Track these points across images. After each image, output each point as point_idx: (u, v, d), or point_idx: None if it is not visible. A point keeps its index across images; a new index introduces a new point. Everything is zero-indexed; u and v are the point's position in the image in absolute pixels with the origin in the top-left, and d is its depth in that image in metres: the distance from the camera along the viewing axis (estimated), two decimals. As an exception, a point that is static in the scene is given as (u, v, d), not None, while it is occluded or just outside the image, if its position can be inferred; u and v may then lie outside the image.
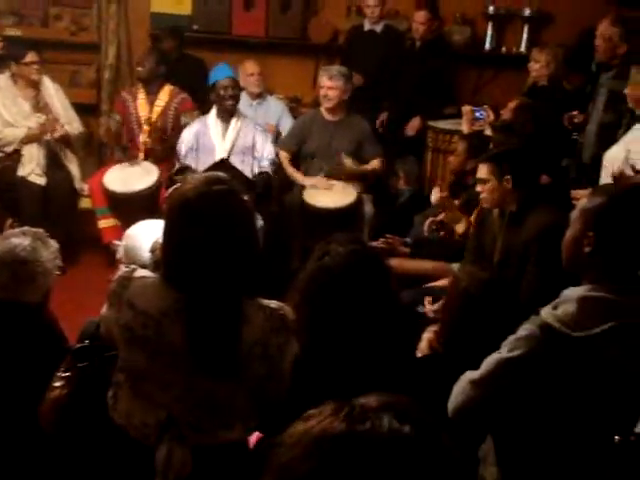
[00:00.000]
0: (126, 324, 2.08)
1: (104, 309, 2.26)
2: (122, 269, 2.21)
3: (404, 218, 5.21)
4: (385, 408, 1.07)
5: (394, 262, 4.44)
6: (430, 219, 4.53)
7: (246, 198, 2.14)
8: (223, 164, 5.00)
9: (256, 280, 2.12)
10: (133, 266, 2.22)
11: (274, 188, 5.49)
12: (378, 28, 6.54)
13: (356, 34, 6.64)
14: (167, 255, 2.11)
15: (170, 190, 4.31)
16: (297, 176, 5.56)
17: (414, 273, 4.31)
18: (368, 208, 5.38)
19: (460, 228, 4.31)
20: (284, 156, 5.63)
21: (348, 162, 5.37)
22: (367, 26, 6.57)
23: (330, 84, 5.46)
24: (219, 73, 5.45)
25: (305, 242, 5.22)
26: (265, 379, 2.10)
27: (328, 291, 2.35)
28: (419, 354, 2.93)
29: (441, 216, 4.48)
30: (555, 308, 2.13)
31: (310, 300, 2.37)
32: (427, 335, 3.07)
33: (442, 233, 4.54)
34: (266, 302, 2.12)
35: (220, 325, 2.03)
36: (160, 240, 2.21)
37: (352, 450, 1.01)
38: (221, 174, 2.15)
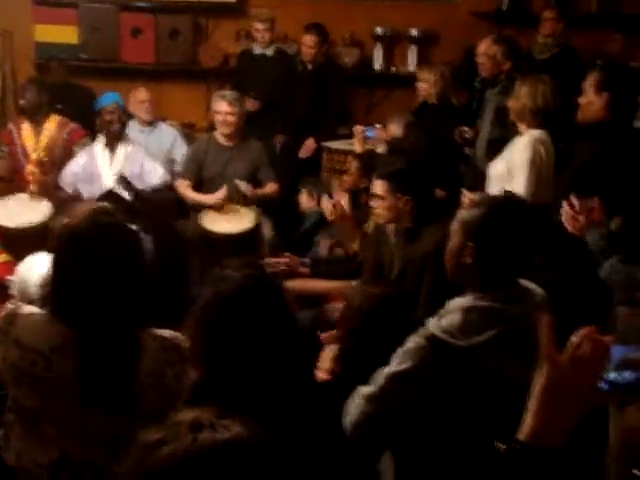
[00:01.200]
0: (13, 363, 2.02)
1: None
2: (8, 306, 2.14)
3: (308, 241, 5.21)
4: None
5: (295, 283, 4.49)
6: (328, 240, 4.56)
7: (134, 228, 2.11)
8: (111, 195, 4.91)
9: (149, 310, 2.09)
10: (19, 303, 2.15)
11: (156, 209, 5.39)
12: (269, 52, 6.58)
13: (246, 58, 6.67)
14: (55, 289, 2.06)
15: (54, 224, 4.20)
16: (199, 197, 5.50)
17: (315, 293, 4.33)
18: (267, 232, 5.38)
19: (356, 245, 4.35)
20: (185, 184, 5.56)
21: (242, 186, 5.36)
22: (257, 50, 6.61)
23: (229, 109, 5.43)
24: (105, 99, 5.39)
25: (204, 268, 5.18)
26: (162, 410, 2.07)
27: (224, 317, 2.33)
28: (320, 373, 2.94)
29: (338, 237, 4.51)
30: (440, 319, 2.18)
31: (207, 327, 2.34)
32: (329, 353, 3.09)
33: (341, 252, 4.57)
34: (160, 332, 2.09)
35: (113, 358, 1.99)
36: (49, 275, 2.15)
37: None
38: (108, 205, 2.12)
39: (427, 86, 5.65)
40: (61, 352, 1.99)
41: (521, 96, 4.34)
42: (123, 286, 2.01)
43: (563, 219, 3.21)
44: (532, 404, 1.29)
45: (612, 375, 1.21)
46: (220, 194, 5.35)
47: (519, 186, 4.10)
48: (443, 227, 3.65)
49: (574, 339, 1.29)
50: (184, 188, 5.55)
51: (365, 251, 4.11)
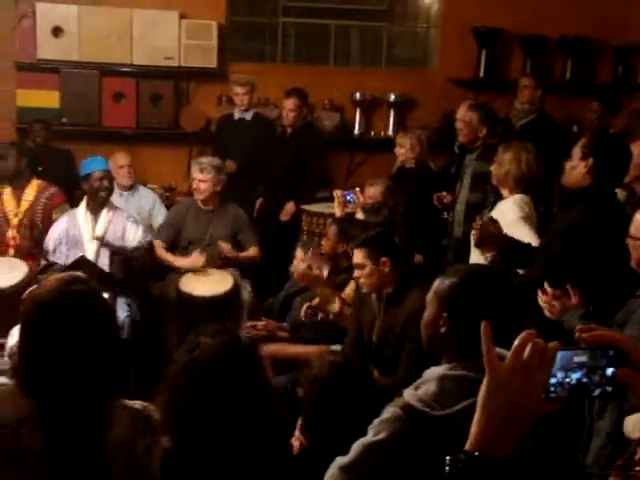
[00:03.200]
0: (-20, 436, 1.97)
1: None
2: (-25, 378, 2.11)
3: (288, 304, 5.17)
4: None
5: (274, 347, 4.47)
6: (306, 304, 4.53)
7: (105, 296, 2.09)
8: (82, 261, 4.88)
9: (119, 381, 2.06)
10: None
11: (137, 273, 5.36)
12: (248, 116, 6.66)
13: (226, 122, 6.74)
14: (23, 359, 2.03)
15: (26, 293, 4.16)
16: (174, 260, 5.50)
17: (293, 357, 4.30)
18: (246, 294, 5.36)
19: (334, 308, 4.33)
20: (159, 244, 5.57)
21: (225, 249, 5.36)
22: (237, 114, 6.68)
23: (201, 177, 5.48)
24: (94, 165, 5.36)
25: (182, 331, 5.14)
26: None
27: (198, 384, 2.31)
28: (296, 442, 2.91)
29: (316, 300, 4.49)
30: (417, 388, 2.16)
31: (181, 394, 2.33)
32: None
33: (320, 317, 4.54)
34: (130, 403, 2.06)
35: (82, 431, 1.96)
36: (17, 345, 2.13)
37: None
38: (78, 273, 2.10)
39: (404, 150, 5.72)
40: (29, 425, 1.95)
41: (504, 162, 4.39)
42: (92, 358, 1.98)
43: (540, 303, 3.23)
44: (476, 413, 1.28)
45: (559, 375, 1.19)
46: (194, 258, 5.35)
47: (527, 237, 4.09)
48: (423, 293, 3.64)
49: (515, 343, 1.27)
50: (158, 249, 5.55)
51: (351, 317, 4.10)
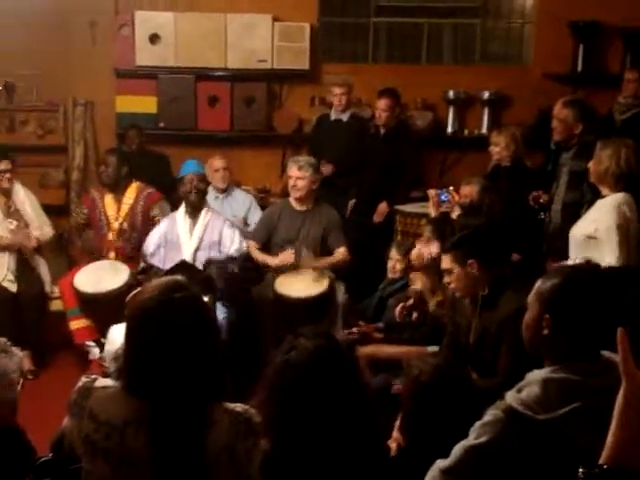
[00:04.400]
0: (88, 436, 2.03)
1: (66, 420, 2.21)
2: (82, 379, 2.17)
3: (383, 305, 5.15)
4: None
5: (369, 349, 4.46)
6: (401, 305, 4.52)
7: (206, 300, 2.12)
8: (183, 265, 4.98)
9: (221, 384, 2.09)
10: (94, 376, 2.18)
11: (236, 280, 5.43)
12: (345, 117, 6.66)
13: (323, 123, 6.77)
14: (129, 363, 2.08)
15: (129, 296, 4.27)
16: (265, 258, 5.56)
17: (389, 358, 4.29)
18: (341, 296, 5.37)
19: (437, 298, 4.31)
20: (253, 245, 5.64)
21: (307, 260, 5.40)
22: (334, 115, 6.70)
23: (299, 174, 5.52)
24: (186, 168, 5.51)
25: (278, 333, 5.18)
26: None
27: (294, 387, 2.33)
28: (393, 444, 2.89)
29: (411, 301, 4.47)
30: (519, 391, 2.12)
31: (277, 396, 2.35)
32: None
33: (414, 317, 4.52)
34: (231, 406, 2.08)
35: (185, 433, 1.99)
36: (122, 348, 2.18)
37: None
38: (180, 278, 2.14)
39: (499, 149, 5.61)
40: (134, 426, 2.00)
41: (603, 159, 4.28)
42: (195, 360, 2.02)
43: None
44: (613, 424, 1.22)
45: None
46: (284, 256, 5.39)
47: (611, 252, 4.03)
48: (521, 294, 3.57)
49: None
50: (252, 249, 5.62)
51: (447, 319, 4.06)
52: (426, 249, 4.58)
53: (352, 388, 2.37)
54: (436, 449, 2.27)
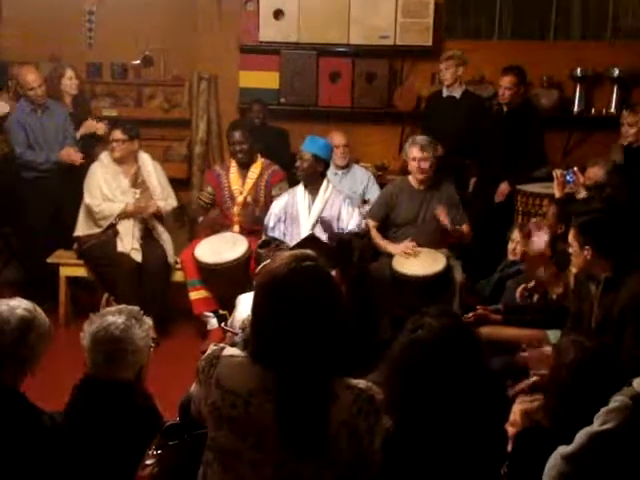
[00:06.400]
0: (214, 403, 2.08)
1: (193, 386, 2.27)
2: (211, 347, 2.22)
3: (502, 286, 5.06)
4: None
5: (487, 330, 4.39)
6: (522, 286, 4.43)
7: (333, 274, 2.13)
8: (311, 240, 5.02)
9: (345, 358, 2.10)
10: (222, 344, 2.22)
11: (354, 254, 5.42)
12: (457, 94, 6.52)
13: (435, 100, 6.65)
14: (256, 333, 2.11)
15: (259, 267, 4.35)
16: (386, 245, 5.54)
17: (507, 340, 4.22)
18: (458, 275, 5.31)
19: (557, 290, 4.21)
20: (372, 225, 5.62)
21: (442, 217, 5.34)
22: (445, 92, 6.56)
23: (421, 155, 5.44)
24: (311, 145, 5.43)
25: (394, 311, 5.18)
26: (354, 462, 2.06)
27: (420, 365, 2.33)
28: (510, 427, 2.84)
29: (533, 282, 4.38)
30: (648, 378, 2.06)
31: (402, 373, 2.35)
32: (520, 407, 2.98)
33: (535, 298, 4.43)
34: (354, 382, 2.09)
35: (310, 404, 2.01)
36: (249, 318, 2.21)
37: None
38: (309, 251, 2.15)
39: (633, 130, 5.39)
40: (259, 396, 2.03)
41: None
42: (322, 332, 2.03)
43: None
44: None
45: None
46: (405, 246, 5.35)
47: None
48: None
49: None
50: (372, 229, 5.60)
51: (570, 302, 3.97)
52: (537, 238, 4.48)
53: (477, 369, 2.35)
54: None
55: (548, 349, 3.45)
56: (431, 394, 2.28)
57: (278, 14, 6.92)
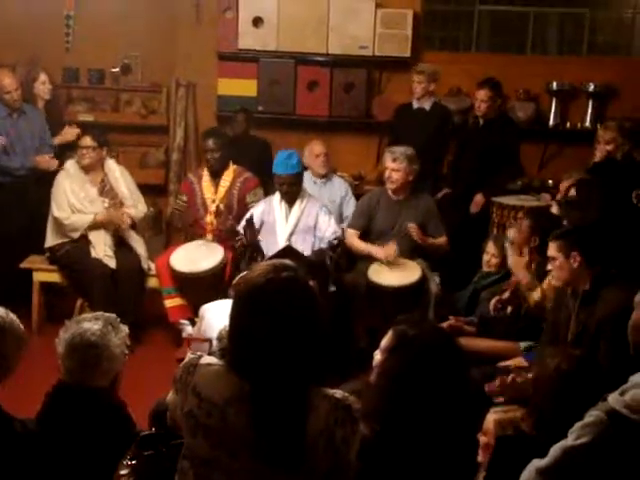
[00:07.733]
0: (190, 411, 2.07)
1: (170, 394, 2.26)
2: (189, 355, 2.21)
3: (476, 298, 5.08)
4: None
5: (462, 341, 4.41)
6: (496, 298, 4.46)
7: (312, 284, 2.13)
8: (287, 250, 5.01)
9: (322, 368, 2.10)
10: (199, 353, 2.21)
11: (330, 267, 5.42)
12: (427, 106, 6.53)
13: (404, 111, 6.64)
14: (234, 342, 2.10)
15: (237, 278, 4.35)
16: (368, 248, 5.51)
17: (480, 352, 4.24)
18: (433, 286, 5.33)
19: (536, 296, 4.24)
20: (353, 233, 5.62)
21: (414, 231, 5.35)
22: (415, 104, 6.55)
23: (394, 166, 5.48)
24: (279, 165, 5.38)
25: (369, 320, 5.19)
26: (330, 472, 2.06)
27: (406, 375, 2.33)
28: (482, 436, 2.85)
29: (506, 294, 4.40)
30: (623, 394, 2.07)
31: (387, 382, 2.35)
32: (493, 417, 3.00)
33: (509, 310, 4.46)
34: (331, 392, 2.08)
35: (286, 414, 2.00)
36: (227, 327, 2.21)
37: None
38: (287, 261, 2.15)
39: (610, 147, 5.43)
40: (236, 405, 2.02)
41: None
42: (299, 342, 2.02)
43: None
44: None
45: None
46: (389, 249, 5.35)
47: None
48: (627, 294, 3.48)
49: None
50: (352, 238, 5.60)
51: (547, 314, 4.00)
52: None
53: (458, 377, 2.36)
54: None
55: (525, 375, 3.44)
56: (416, 403, 2.29)
57: (257, 22, 6.93)
